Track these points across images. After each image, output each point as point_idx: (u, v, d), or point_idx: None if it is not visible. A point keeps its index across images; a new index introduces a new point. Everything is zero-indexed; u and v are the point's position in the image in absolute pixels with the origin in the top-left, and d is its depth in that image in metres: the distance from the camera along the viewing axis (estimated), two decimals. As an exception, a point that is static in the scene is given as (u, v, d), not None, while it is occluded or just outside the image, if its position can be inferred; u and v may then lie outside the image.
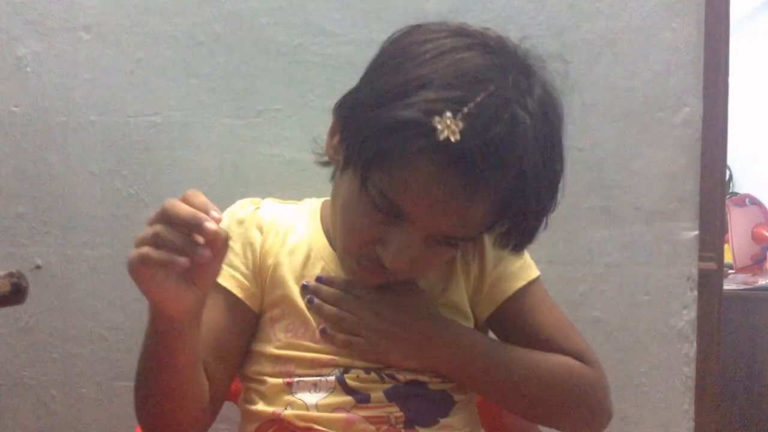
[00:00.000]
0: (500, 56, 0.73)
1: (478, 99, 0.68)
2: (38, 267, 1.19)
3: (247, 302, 0.83)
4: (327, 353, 0.81)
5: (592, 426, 0.85)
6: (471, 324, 0.86)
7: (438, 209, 0.71)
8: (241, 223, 0.86)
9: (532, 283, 0.86)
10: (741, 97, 2.10)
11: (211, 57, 1.15)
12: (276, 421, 0.80)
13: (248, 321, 0.84)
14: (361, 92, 0.76)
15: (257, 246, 0.85)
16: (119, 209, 1.17)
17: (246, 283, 0.83)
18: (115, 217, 1.18)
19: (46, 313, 1.19)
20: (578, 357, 0.84)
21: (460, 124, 0.67)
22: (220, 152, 1.16)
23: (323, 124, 0.84)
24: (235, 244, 0.84)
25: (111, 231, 1.18)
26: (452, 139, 0.66)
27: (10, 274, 0.65)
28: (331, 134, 0.81)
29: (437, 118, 0.66)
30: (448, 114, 0.67)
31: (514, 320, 0.86)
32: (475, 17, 1.11)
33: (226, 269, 0.82)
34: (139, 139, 1.17)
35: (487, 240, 0.84)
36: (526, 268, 0.87)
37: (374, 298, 0.80)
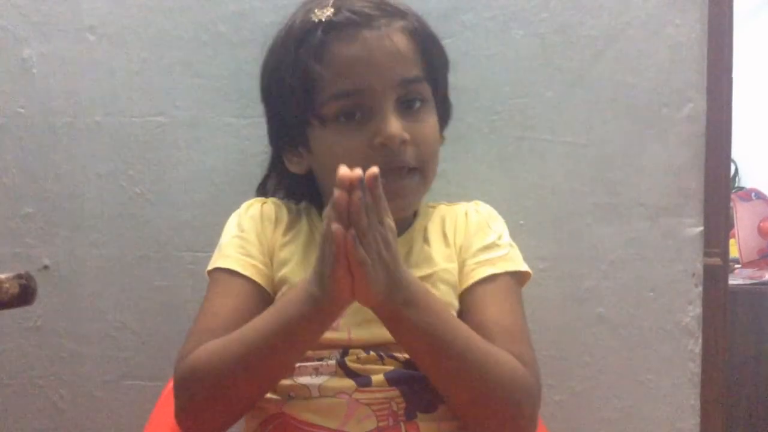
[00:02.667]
0: None
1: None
2: (46, 267, 1.20)
3: (267, 288, 0.87)
4: (330, 328, 0.81)
5: (508, 408, 0.78)
6: (456, 293, 0.87)
7: (374, 58, 0.82)
8: (252, 217, 0.91)
9: (502, 276, 0.87)
10: (747, 91, 2.10)
11: (215, 57, 1.16)
12: (279, 416, 0.81)
13: (263, 306, 0.85)
14: (268, 72, 0.92)
15: (268, 234, 0.89)
16: (125, 209, 1.18)
17: (265, 270, 0.87)
18: (122, 216, 1.18)
19: (53, 312, 1.19)
20: (517, 357, 0.80)
21: (333, 7, 0.83)
22: (225, 151, 1.16)
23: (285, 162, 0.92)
24: (250, 235, 0.89)
25: (118, 230, 1.18)
26: (330, 14, 0.83)
27: (19, 276, 0.66)
28: (288, 156, 0.93)
29: (309, 16, 0.84)
30: (313, 8, 0.85)
31: (470, 306, 0.86)
32: (478, 14, 1.11)
33: (244, 259, 0.86)
34: (145, 139, 1.17)
35: (474, 215, 0.92)
36: (505, 259, 0.88)
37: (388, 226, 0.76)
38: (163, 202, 1.18)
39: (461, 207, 0.95)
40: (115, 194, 1.18)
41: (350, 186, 0.67)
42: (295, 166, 0.92)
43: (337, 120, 0.84)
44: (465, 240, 0.90)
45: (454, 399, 0.80)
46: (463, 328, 0.78)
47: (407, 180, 0.85)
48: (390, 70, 0.83)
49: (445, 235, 0.91)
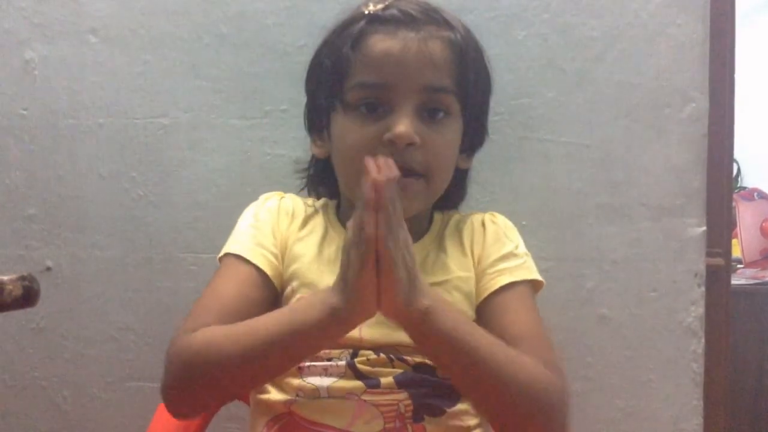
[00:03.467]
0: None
1: None
2: (48, 269, 1.20)
3: (275, 281, 0.87)
4: None
5: (540, 413, 0.77)
6: (469, 302, 0.87)
7: (405, 59, 0.83)
8: (269, 210, 0.92)
9: (521, 284, 0.87)
10: (749, 91, 2.10)
11: (217, 58, 1.16)
12: (286, 414, 0.81)
13: (271, 298, 0.87)
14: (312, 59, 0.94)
15: (283, 228, 0.90)
16: (128, 210, 1.18)
17: (275, 262, 0.87)
18: (124, 218, 1.18)
19: (56, 314, 1.20)
20: (544, 365, 0.79)
21: (385, 3, 0.85)
22: (227, 153, 1.16)
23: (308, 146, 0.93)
24: (265, 227, 0.89)
25: (120, 232, 1.19)
26: (381, 9, 0.85)
27: (22, 278, 0.66)
28: (313, 139, 0.94)
29: (364, 7, 0.86)
30: (370, 2, 0.86)
31: (491, 314, 0.86)
32: (481, 15, 1.11)
33: (257, 248, 0.87)
34: (147, 141, 1.18)
35: (491, 226, 0.91)
36: (523, 268, 0.89)
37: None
38: (165, 203, 1.18)
39: (477, 217, 0.94)
40: (118, 196, 1.18)
41: (378, 186, 0.67)
42: (318, 149, 0.93)
43: (359, 109, 0.85)
44: (483, 250, 0.90)
45: (481, 404, 0.79)
46: (487, 334, 0.77)
47: (410, 181, 0.84)
48: (417, 72, 0.83)
49: (462, 244, 0.90)
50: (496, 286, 0.86)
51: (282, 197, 0.94)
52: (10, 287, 0.65)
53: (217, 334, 0.77)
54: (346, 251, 0.70)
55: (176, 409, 0.79)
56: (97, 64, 1.18)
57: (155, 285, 1.18)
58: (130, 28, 1.17)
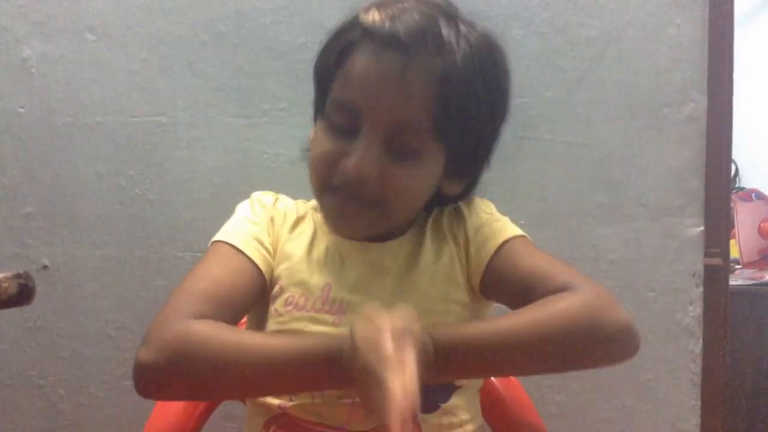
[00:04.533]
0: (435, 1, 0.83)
1: (402, 6, 0.79)
2: (45, 267, 1.19)
3: (266, 276, 0.85)
4: (328, 325, 0.81)
5: (615, 344, 0.76)
6: (462, 293, 0.86)
7: (380, 89, 0.77)
8: (264, 206, 0.90)
9: (515, 238, 0.86)
10: (747, 91, 2.10)
11: (215, 57, 1.16)
12: (282, 416, 0.81)
13: (260, 292, 0.85)
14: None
15: (276, 228, 0.89)
16: (125, 209, 1.18)
17: (268, 257, 0.86)
18: (122, 216, 1.18)
19: (53, 312, 1.19)
20: (564, 289, 0.77)
21: (386, 13, 0.78)
22: (225, 151, 1.16)
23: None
24: (260, 223, 0.88)
25: (117, 231, 1.18)
26: (377, 22, 0.78)
27: (18, 275, 0.65)
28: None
29: (364, 14, 0.80)
30: (374, 8, 0.80)
31: (503, 275, 0.84)
32: (480, 14, 1.09)
33: (253, 243, 0.85)
34: (145, 139, 1.17)
35: (466, 210, 0.89)
36: (508, 228, 0.87)
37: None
38: (162, 202, 1.17)
39: (458, 206, 0.92)
40: (115, 194, 1.18)
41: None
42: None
43: (331, 124, 0.82)
44: (465, 226, 0.88)
45: (558, 371, 0.79)
46: (503, 320, 0.75)
47: (362, 208, 0.81)
48: (389, 104, 0.78)
49: (442, 230, 0.89)
50: (495, 248, 0.84)
51: (276, 198, 0.93)
52: (6, 285, 0.64)
53: (220, 335, 0.74)
54: (369, 383, 0.65)
55: (146, 387, 0.75)
56: (95, 62, 1.18)
57: (152, 284, 1.17)
58: (127, 26, 1.17)
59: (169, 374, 0.74)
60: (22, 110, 1.19)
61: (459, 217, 0.90)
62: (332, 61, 0.82)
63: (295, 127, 1.15)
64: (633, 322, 0.75)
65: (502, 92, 0.83)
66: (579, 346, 0.74)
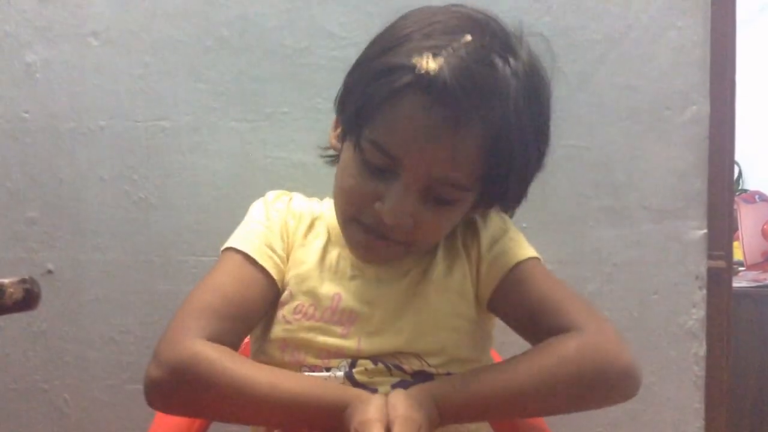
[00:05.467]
0: (482, 22, 0.76)
1: (456, 44, 0.72)
2: (49, 272, 1.20)
3: (279, 284, 0.85)
4: (336, 336, 0.81)
5: (620, 386, 0.77)
6: (470, 308, 0.86)
7: (427, 145, 0.73)
8: (278, 210, 0.89)
9: (528, 261, 0.85)
10: (751, 93, 2.10)
11: (218, 61, 1.16)
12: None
13: (270, 302, 0.85)
14: (353, 67, 0.81)
15: (291, 233, 0.88)
16: (129, 213, 1.18)
17: (281, 265, 0.85)
18: (125, 221, 1.18)
19: (57, 317, 1.20)
20: (573, 327, 0.77)
21: (440, 61, 0.71)
22: (228, 155, 1.16)
23: (331, 126, 0.87)
24: (274, 227, 0.87)
25: (121, 235, 1.19)
26: (431, 72, 0.71)
27: (23, 281, 0.65)
28: (334, 127, 0.86)
29: (417, 58, 0.72)
30: (428, 53, 0.72)
31: (512, 297, 0.84)
32: (481, 18, 1.11)
33: (265, 250, 0.84)
34: (148, 144, 1.18)
35: (480, 222, 0.88)
36: (523, 247, 0.87)
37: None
38: (166, 206, 1.18)
39: (472, 220, 0.91)
40: (119, 198, 1.18)
41: None
42: (333, 140, 0.88)
43: (367, 159, 0.78)
44: (481, 241, 0.88)
45: (565, 412, 0.79)
46: (507, 366, 0.77)
47: (389, 246, 0.80)
48: (432, 162, 0.74)
49: (455, 245, 0.88)
50: (507, 268, 0.85)
51: (291, 198, 0.92)
52: (11, 290, 0.65)
53: (227, 366, 0.74)
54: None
55: (156, 403, 0.76)
56: (98, 67, 1.18)
57: (156, 288, 1.18)
58: (131, 31, 1.17)
59: (175, 395, 0.75)
60: (26, 115, 1.20)
61: (473, 230, 0.89)
62: (377, 100, 0.75)
63: (297, 131, 1.15)
64: (638, 364, 0.77)
65: (547, 121, 0.79)
66: (585, 392, 0.76)
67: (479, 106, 0.72)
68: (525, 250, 0.87)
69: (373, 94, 0.75)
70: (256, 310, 0.82)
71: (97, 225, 1.19)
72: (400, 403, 0.72)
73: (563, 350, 0.76)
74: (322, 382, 0.78)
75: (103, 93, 1.18)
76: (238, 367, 0.75)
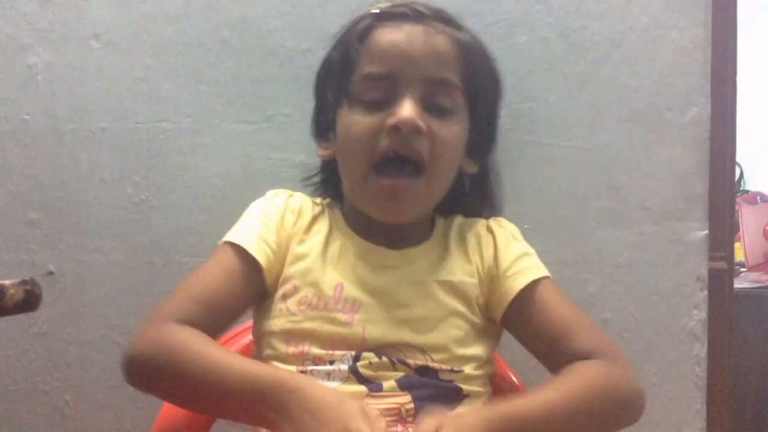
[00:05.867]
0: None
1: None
2: (51, 273, 1.20)
3: (267, 276, 0.86)
4: (341, 325, 0.82)
5: (633, 412, 0.84)
6: (476, 314, 0.86)
7: (413, 50, 0.83)
8: (276, 206, 0.91)
9: (542, 280, 0.87)
10: (752, 94, 2.10)
11: (219, 63, 1.16)
12: None
13: (257, 295, 0.87)
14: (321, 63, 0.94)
15: (287, 227, 0.89)
16: (130, 215, 1.18)
17: (272, 257, 0.86)
18: (127, 222, 1.18)
19: (58, 318, 1.20)
20: (591, 354, 0.82)
21: (393, 3, 0.87)
22: (229, 157, 1.17)
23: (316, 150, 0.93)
24: (269, 222, 0.88)
25: (122, 236, 1.19)
26: (391, 6, 0.86)
27: (24, 282, 0.66)
28: (319, 142, 0.94)
29: (371, 9, 0.87)
30: (379, 3, 0.87)
31: (525, 316, 0.86)
32: (482, 19, 1.11)
33: (258, 241, 0.86)
34: (150, 146, 1.18)
35: (497, 229, 0.91)
36: (537, 267, 0.89)
37: None
38: (167, 208, 1.18)
39: (481, 222, 0.93)
40: (120, 200, 1.18)
41: None
42: (324, 151, 0.93)
43: (364, 103, 0.84)
44: (496, 254, 0.89)
45: None
46: (552, 400, 0.78)
47: (411, 180, 0.83)
48: (423, 63, 0.83)
49: (466, 251, 0.90)
50: (521, 286, 0.86)
51: (290, 195, 0.93)
52: (12, 291, 0.65)
53: (193, 345, 0.77)
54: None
55: (130, 378, 0.79)
56: (100, 69, 1.18)
57: (158, 289, 1.18)
58: (132, 33, 1.18)
59: (147, 372, 0.78)
60: (27, 117, 1.20)
61: (489, 238, 0.91)
62: (351, 47, 0.86)
63: (298, 133, 1.15)
64: (644, 390, 0.84)
65: (499, 75, 0.92)
66: (609, 418, 0.81)
67: (444, 20, 0.86)
68: (539, 269, 0.89)
69: (348, 45, 0.86)
70: (237, 299, 0.84)
71: (99, 226, 1.19)
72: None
73: (590, 377, 0.80)
74: (274, 367, 0.79)
75: (104, 95, 1.19)
76: (202, 346, 0.77)
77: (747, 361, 1.95)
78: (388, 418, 0.79)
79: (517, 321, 0.87)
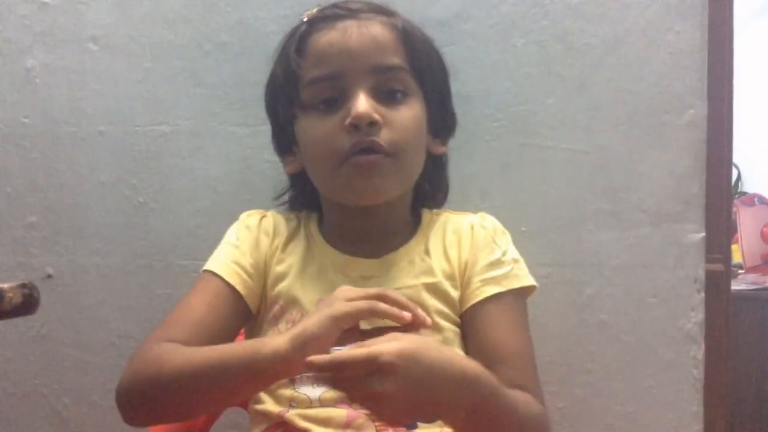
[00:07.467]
0: None
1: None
2: (49, 276, 1.20)
3: (247, 300, 0.87)
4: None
5: None
6: (453, 309, 0.87)
7: (352, 45, 0.84)
8: (248, 228, 0.91)
9: (507, 294, 0.86)
10: (748, 96, 2.10)
11: (218, 66, 1.16)
12: (281, 424, 0.82)
13: (241, 318, 0.88)
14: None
15: (263, 248, 0.90)
16: (129, 218, 1.18)
17: (249, 281, 0.87)
18: (125, 225, 1.19)
19: (57, 321, 1.20)
20: (523, 389, 0.80)
21: (324, 5, 0.89)
22: (227, 160, 1.17)
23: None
24: (243, 246, 0.89)
25: (121, 239, 1.19)
26: (320, 10, 0.87)
27: (22, 285, 0.66)
28: (284, 157, 0.95)
29: (303, 17, 0.89)
30: (310, 9, 0.89)
31: (472, 328, 0.86)
32: (480, 22, 1.12)
33: (231, 266, 0.87)
34: (148, 148, 1.18)
35: (481, 232, 0.90)
36: (510, 277, 0.88)
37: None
38: (165, 210, 1.18)
39: (467, 219, 0.93)
40: (118, 203, 1.19)
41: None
42: (290, 165, 0.94)
43: (317, 107, 0.85)
44: (470, 256, 0.89)
45: None
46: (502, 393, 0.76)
47: (378, 157, 0.83)
48: (364, 55, 0.84)
49: (446, 251, 0.90)
50: (481, 297, 0.86)
51: (263, 216, 0.94)
52: (10, 294, 0.65)
53: (173, 350, 0.78)
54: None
55: (125, 414, 0.79)
56: (98, 71, 1.18)
57: (156, 292, 1.18)
58: (130, 36, 1.18)
59: (135, 393, 0.78)
60: (25, 120, 1.20)
61: (469, 238, 0.90)
62: (291, 57, 0.87)
63: (296, 136, 1.16)
64: None
65: (440, 53, 0.93)
66: None
67: (375, 11, 0.87)
68: (511, 280, 0.87)
69: (288, 57, 0.87)
70: (224, 323, 0.85)
71: (97, 229, 1.19)
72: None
73: (525, 404, 0.77)
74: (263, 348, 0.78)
75: (102, 98, 1.19)
76: (190, 349, 0.78)
77: (744, 363, 1.95)
78: (377, 421, 0.79)
79: (464, 330, 0.87)
